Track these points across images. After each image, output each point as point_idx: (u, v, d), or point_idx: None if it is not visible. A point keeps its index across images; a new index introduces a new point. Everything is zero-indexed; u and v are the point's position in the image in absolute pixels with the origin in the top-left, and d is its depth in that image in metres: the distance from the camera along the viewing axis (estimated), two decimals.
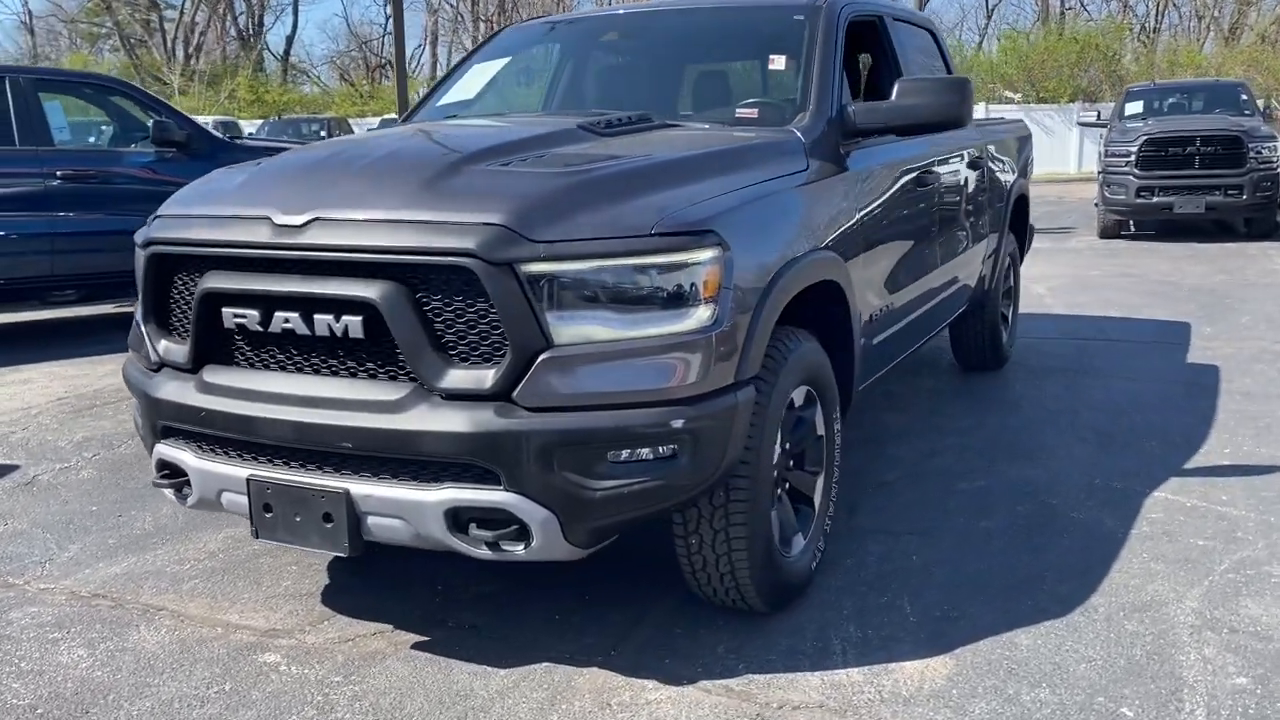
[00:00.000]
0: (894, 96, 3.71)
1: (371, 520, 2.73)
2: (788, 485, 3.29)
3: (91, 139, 9.12)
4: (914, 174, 4.25)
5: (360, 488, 2.71)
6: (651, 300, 2.64)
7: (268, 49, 53.63)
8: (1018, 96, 27.93)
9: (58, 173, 7.31)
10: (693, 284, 2.67)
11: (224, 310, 2.84)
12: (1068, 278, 10.08)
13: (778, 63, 3.87)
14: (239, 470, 2.87)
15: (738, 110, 3.78)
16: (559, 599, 3.37)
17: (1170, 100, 15.09)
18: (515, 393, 2.58)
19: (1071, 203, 19.10)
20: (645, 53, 4.45)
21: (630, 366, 2.62)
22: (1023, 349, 6.87)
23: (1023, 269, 10.82)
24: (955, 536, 3.81)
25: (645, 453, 2.65)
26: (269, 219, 2.77)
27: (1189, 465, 4.54)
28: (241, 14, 53.12)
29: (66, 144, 7.79)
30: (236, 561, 3.73)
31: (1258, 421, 5.14)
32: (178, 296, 3.02)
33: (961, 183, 5.02)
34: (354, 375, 2.74)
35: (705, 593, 3.13)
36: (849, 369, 3.59)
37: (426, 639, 3.15)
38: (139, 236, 3.11)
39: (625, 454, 2.63)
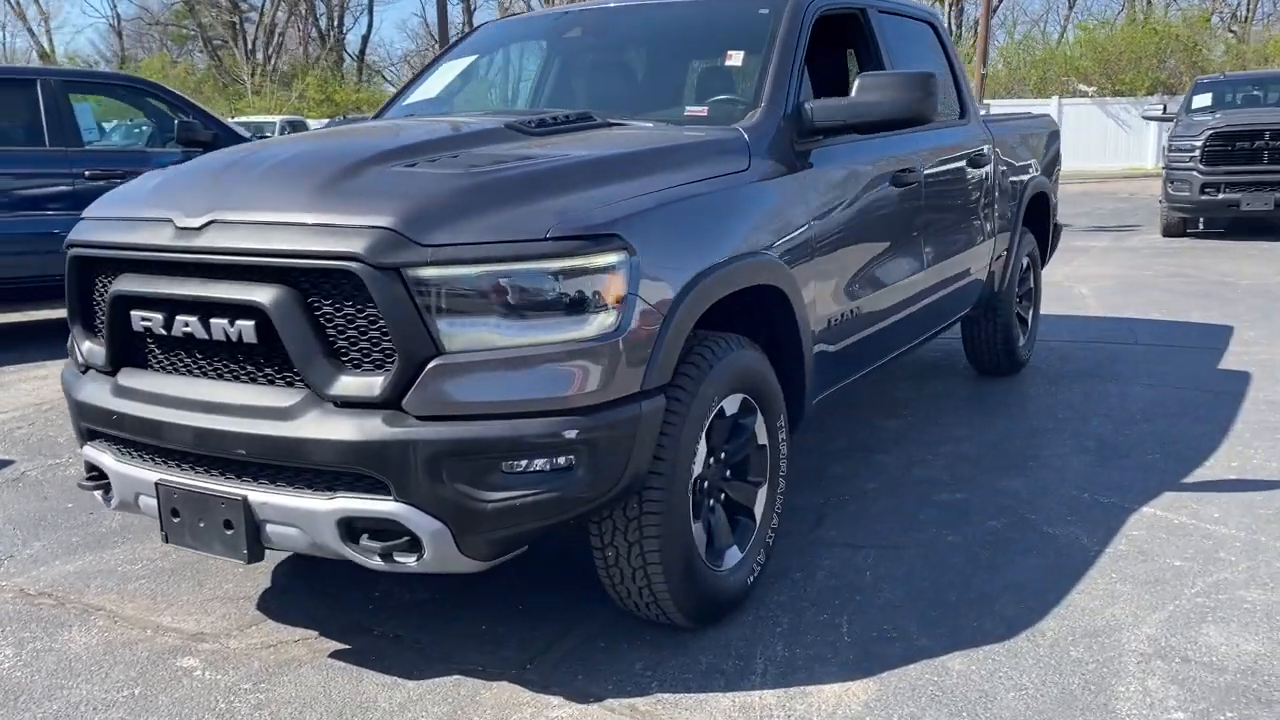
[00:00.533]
0: (853, 93, 3.56)
1: (270, 528, 2.69)
2: (723, 496, 3.18)
3: (129, 140, 9.31)
4: (891, 173, 4.08)
5: (258, 495, 2.67)
6: (547, 306, 2.55)
7: (345, 49, 54.56)
8: (1092, 90, 27.10)
9: (86, 173, 7.47)
10: (592, 290, 2.57)
11: (132, 313, 2.82)
12: (1116, 278, 9.73)
13: (735, 59, 3.74)
14: (150, 474, 2.86)
15: (687, 109, 3.67)
16: (492, 608, 3.30)
17: (1242, 93, 14.49)
18: (404, 401, 2.52)
19: (1144, 199, 18.52)
20: (609, 49, 4.35)
21: (524, 375, 2.54)
22: (1046, 353, 6.62)
23: (1070, 269, 10.58)
24: (918, 551, 3.66)
25: (540, 464, 2.56)
26: (172, 221, 2.74)
27: (1188, 479, 4.30)
28: (322, 15, 54.13)
29: (95, 144, 7.95)
30: (187, 562, 3.74)
31: (1277, 433, 4.86)
32: (97, 299, 3.02)
33: (957, 182, 4.83)
34: (251, 381, 2.70)
35: (627, 606, 3.03)
36: (800, 377, 3.47)
37: (347, 647, 3.10)
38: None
39: (518, 465, 2.55)
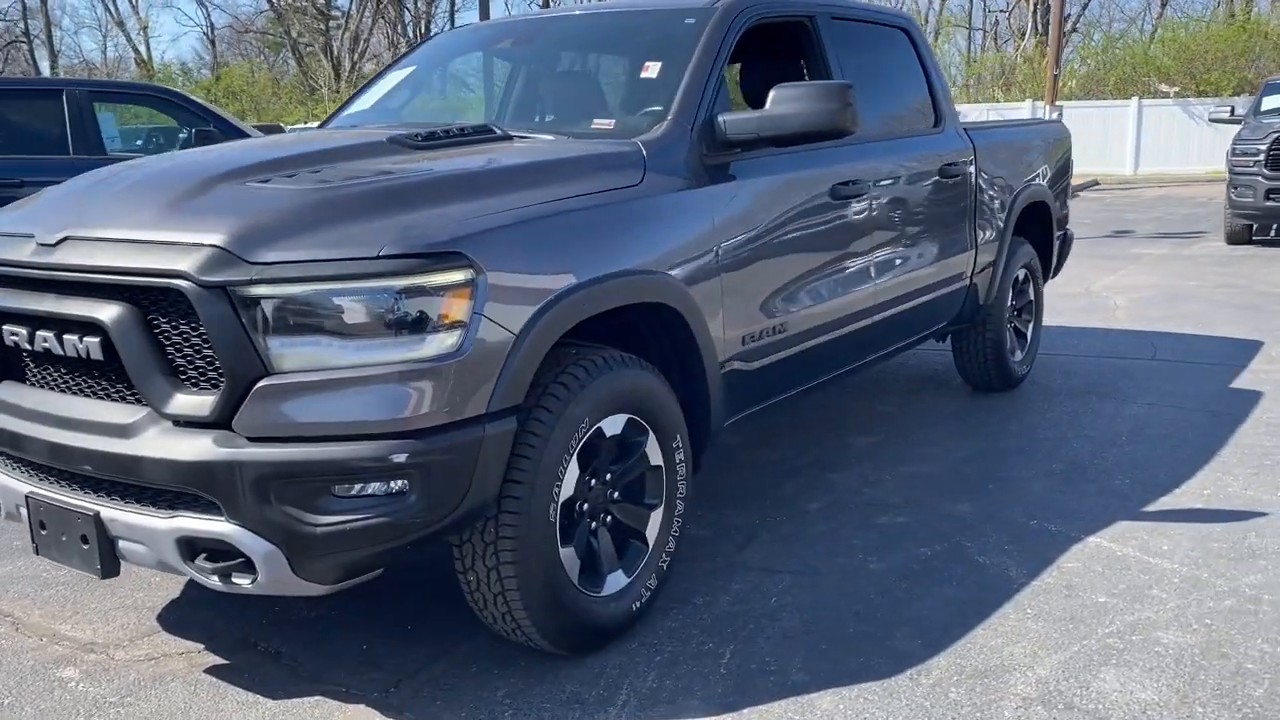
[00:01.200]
0: (768, 105, 3.45)
1: (122, 544, 2.70)
2: (608, 519, 3.10)
3: (155, 148, 9.55)
4: (831, 186, 3.95)
5: (109, 511, 2.67)
6: (381, 326, 2.50)
7: None
8: (1174, 90, 26.15)
9: None
10: (431, 309, 2.52)
11: (4, 328, 2.86)
12: (1158, 288, 9.34)
13: (651, 70, 3.65)
14: (23, 487, 2.89)
15: (595, 121, 3.59)
16: (381, 628, 3.27)
17: None
18: (234, 421, 2.50)
19: (1220, 204, 17.78)
20: (536, 60, 4.28)
21: (356, 396, 2.49)
22: (1053, 367, 6.37)
23: (1114, 278, 10.20)
24: (835, 578, 3.53)
25: (372, 488, 2.52)
26: (33, 237, 2.77)
27: (1150, 507, 4.08)
28: (409, 23, 54.97)
29: (117, 152, 8.16)
30: None
31: (1265, 459, 4.59)
32: None
33: (922, 193, 4.66)
34: (101, 397, 2.72)
35: (496, 631, 2.98)
36: (705, 397, 3.37)
37: (225, 662, 3.10)
38: None
39: (350, 489, 2.51)
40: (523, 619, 2.84)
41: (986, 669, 2.91)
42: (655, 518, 3.22)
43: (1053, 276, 6.66)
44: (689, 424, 3.36)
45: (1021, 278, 5.89)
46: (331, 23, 52.04)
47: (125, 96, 8.72)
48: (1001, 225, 5.46)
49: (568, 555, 2.91)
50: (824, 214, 3.96)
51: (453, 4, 54.19)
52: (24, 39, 50.74)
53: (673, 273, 3.19)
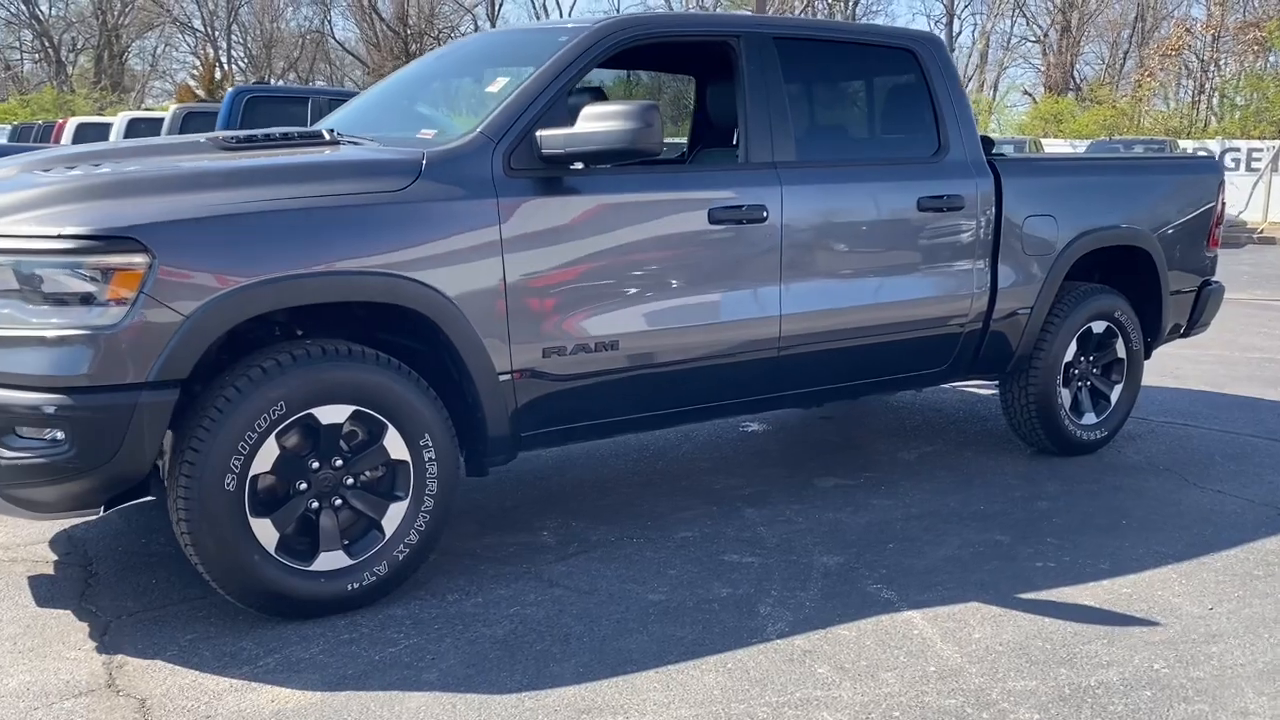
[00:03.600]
0: (577, 122, 3.48)
1: None
2: (339, 502, 3.31)
3: None
4: (706, 209, 3.85)
5: None
6: (56, 295, 2.92)
7: None
8: None
9: None
10: (97, 283, 2.90)
11: None
12: None
13: (496, 85, 3.77)
14: None
15: (421, 131, 3.77)
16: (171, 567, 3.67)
17: None
18: None
19: None
20: (443, 74, 4.51)
21: (29, 353, 2.92)
22: (1145, 434, 5.58)
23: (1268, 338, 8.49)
24: (599, 600, 3.48)
25: (40, 433, 2.95)
26: None
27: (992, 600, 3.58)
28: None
29: None
30: None
31: (1255, 580, 3.82)
32: None
33: (866, 223, 4.34)
34: None
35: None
36: (476, 402, 3.49)
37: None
38: None
39: (28, 430, 2.96)
40: (205, 573, 3.15)
41: (601, 707, 2.81)
42: (397, 510, 3.38)
43: (1192, 333, 5.82)
44: (470, 427, 3.51)
45: (1100, 331, 5.22)
46: None
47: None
48: (1044, 268, 4.89)
49: (261, 525, 3.17)
50: (695, 236, 3.87)
51: None
52: None
53: (424, 276, 3.32)
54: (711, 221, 3.89)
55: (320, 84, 49.29)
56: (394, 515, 3.38)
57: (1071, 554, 3.94)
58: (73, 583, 3.60)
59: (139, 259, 2.92)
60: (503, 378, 3.53)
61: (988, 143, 4.90)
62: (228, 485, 3.08)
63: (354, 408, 3.26)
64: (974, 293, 4.68)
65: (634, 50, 3.93)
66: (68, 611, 3.38)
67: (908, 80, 4.64)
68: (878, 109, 4.61)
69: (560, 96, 3.67)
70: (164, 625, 3.27)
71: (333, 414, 3.24)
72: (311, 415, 3.20)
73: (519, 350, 3.54)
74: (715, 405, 4.17)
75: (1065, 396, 5.16)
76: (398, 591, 3.45)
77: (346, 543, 3.34)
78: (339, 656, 3.08)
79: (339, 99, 9.76)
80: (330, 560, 3.30)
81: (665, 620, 3.34)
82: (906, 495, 4.61)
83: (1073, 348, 5.14)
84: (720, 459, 5.17)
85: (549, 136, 3.52)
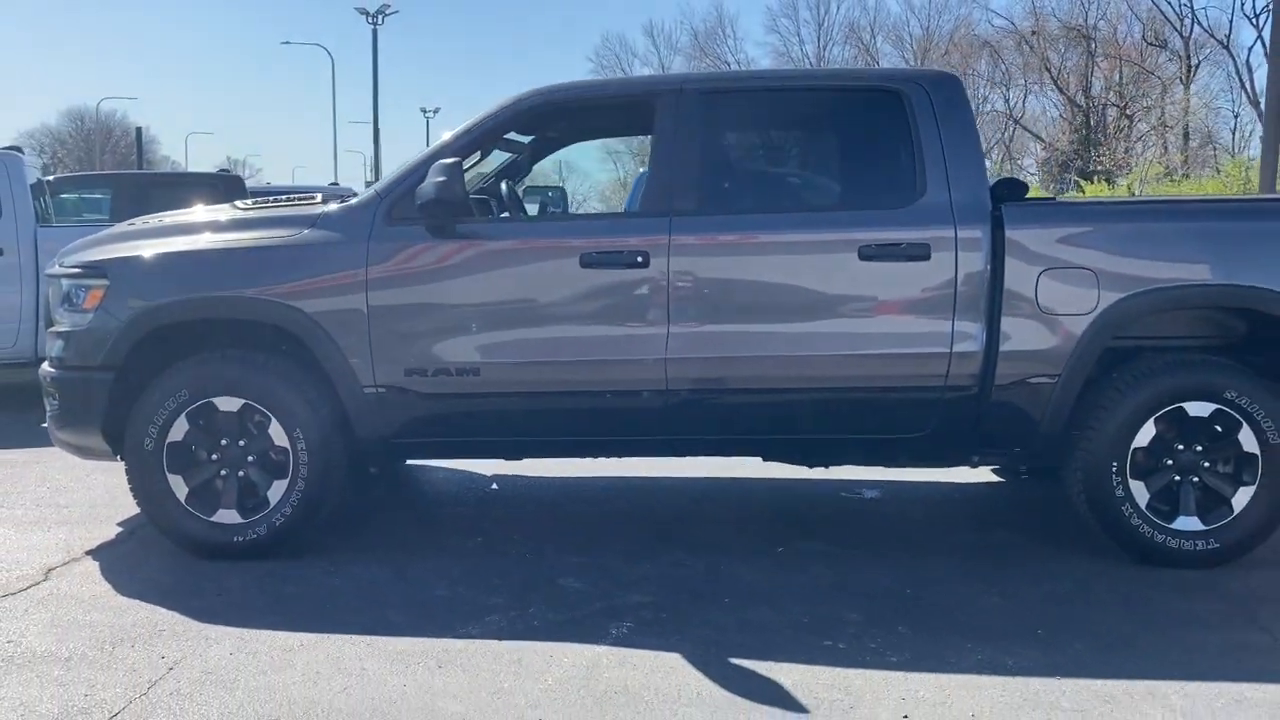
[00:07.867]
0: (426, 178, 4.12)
1: None
2: (240, 473, 4.32)
3: None
4: (579, 254, 4.16)
5: None
6: (66, 301, 4.37)
7: None
8: None
9: None
10: (79, 296, 4.32)
11: None
12: None
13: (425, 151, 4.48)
14: None
15: (361, 193, 4.61)
16: None
17: None
18: None
19: None
20: None
21: (52, 339, 4.44)
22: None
23: None
24: (395, 588, 4.00)
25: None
26: None
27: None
28: None
29: None
30: None
31: None
32: None
33: (793, 268, 4.18)
34: None
35: None
36: (340, 407, 4.26)
37: None
38: None
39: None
40: (144, 513, 4.37)
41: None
42: (279, 485, 4.29)
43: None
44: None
45: (1203, 414, 4.13)
46: None
47: None
48: (1078, 328, 4.10)
49: (175, 481, 4.29)
50: (564, 279, 4.19)
51: None
52: None
53: (298, 302, 4.20)
54: (584, 265, 4.17)
55: None
56: (276, 489, 4.29)
57: None
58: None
59: (102, 282, 4.29)
60: (367, 390, 4.24)
61: (1016, 187, 4.29)
62: (147, 445, 4.26)
63: (243, 401, 4.26)
64: (951, 351, 4.14)
65: (548, 115, 4.38)
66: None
67: (878, 122, 4.30)
68: (829, 154, 4.30)
69: (450, 160, 4.23)
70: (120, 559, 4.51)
71: (227, 404, 4.27)
72: (210, 403, 4.26)
73: (381, 369, 4.22)
74: (596, 441, 4.35)
75: (1138, 491, 4.18)
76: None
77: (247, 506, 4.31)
78: (189, 581, 4.06)
79: None
80: (226, 516, 4.31)
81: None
82: (876, 581, 4.22)
83: (1149, 431, 4.16)
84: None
85: (418, 191, 4.18)
